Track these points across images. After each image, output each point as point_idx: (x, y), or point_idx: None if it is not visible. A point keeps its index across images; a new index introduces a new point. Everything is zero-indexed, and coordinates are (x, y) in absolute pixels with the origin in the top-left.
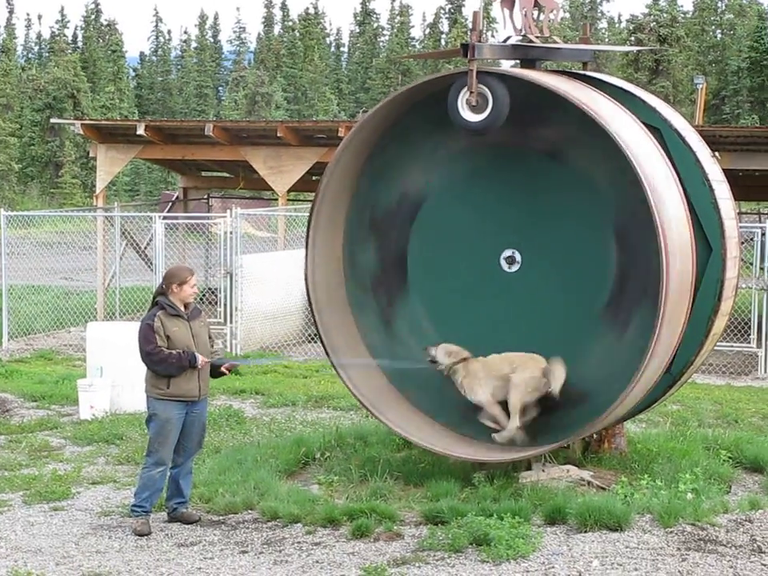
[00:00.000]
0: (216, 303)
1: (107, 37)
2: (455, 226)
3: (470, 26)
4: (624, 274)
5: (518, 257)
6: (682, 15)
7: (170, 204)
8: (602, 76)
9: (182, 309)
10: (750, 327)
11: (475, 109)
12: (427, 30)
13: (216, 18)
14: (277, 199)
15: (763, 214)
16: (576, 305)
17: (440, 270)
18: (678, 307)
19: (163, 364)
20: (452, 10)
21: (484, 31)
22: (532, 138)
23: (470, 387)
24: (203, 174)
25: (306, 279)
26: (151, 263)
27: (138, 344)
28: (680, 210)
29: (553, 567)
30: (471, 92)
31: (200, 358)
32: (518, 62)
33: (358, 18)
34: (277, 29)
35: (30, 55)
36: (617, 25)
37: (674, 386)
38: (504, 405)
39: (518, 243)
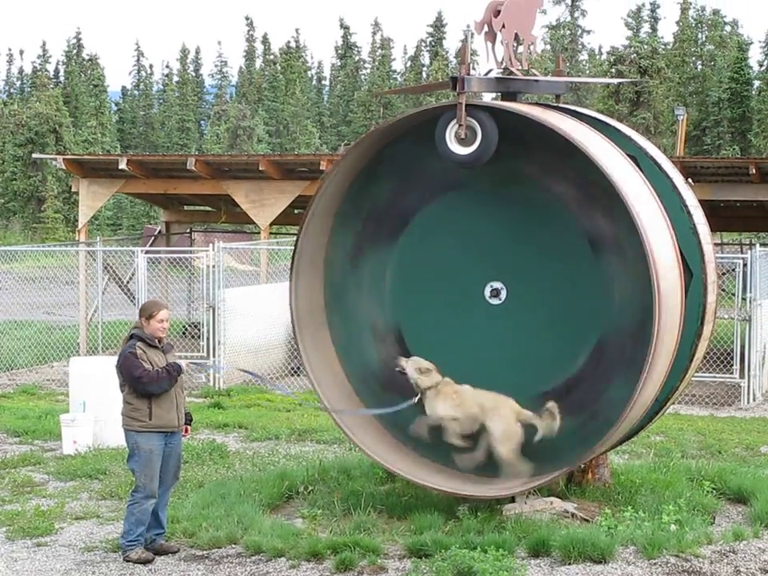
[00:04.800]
0: (199, 337)
1: (89, 71)
2: (439, 256)
3: (459, 58)
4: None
5: (502, 290)
6: (663, 47)
7: (153, 238)
8: (577, 108)
9: (157, 342)
10: (732, 358)
11: (463, 142)
12: (408, 63)
13: (198, 52)
14: (259, 233)
15: (745, 244)
16: (560, 342)
17: (423, 300)
18: (669, 335)
19: (156, 382)
20: (433, 43)
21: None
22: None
23: (438, 400)
24: (185, 208)
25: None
26: (134, 297)
27: (122, 375)
28: (666, 237)
29: None
30: (460, 125)
31: (183, 364)
32: (499, 94)
33: (340, 52)
34: (258, 62)
35: (11, 90)
36: (597, 57)
37: (660, 412)
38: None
39: (505, 276)
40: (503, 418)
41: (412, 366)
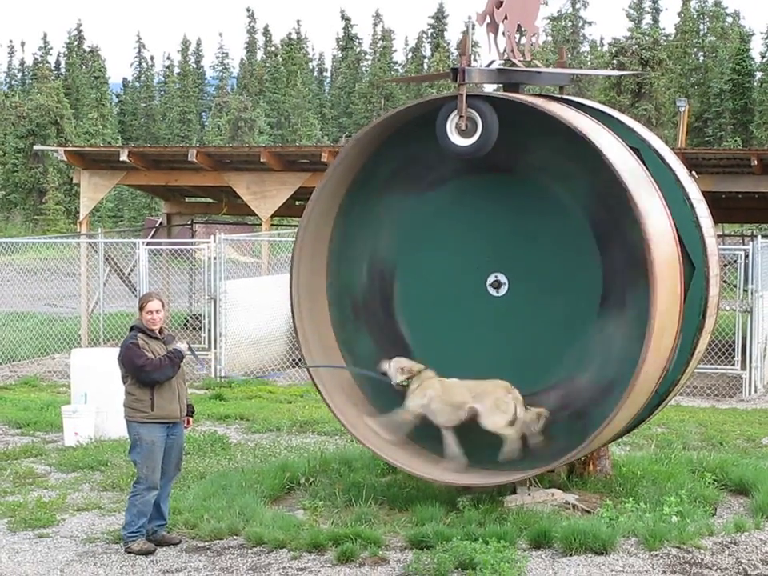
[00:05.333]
0: (200, 329)
1: (90, 63)
2: (439, 250)
3: (459, 49)
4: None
5: (503, 280)
6: (664, 38)
7: (154, 230)
8: (580, 99)
9: (157, 333)
10: (734, 349)
11: (464, 133)
12: (410, 55)
13: (199, 44)
14: (260, 224)
15: (746, 236)
16: (564, 324)
17: (426, 293)
18: (666, 326)
19: (159, 370)
20: (434, 35)
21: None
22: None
23: (414, 394)
24: (187, 199)
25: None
26: (135, 289)
27: (124, 366)
28: (667, 228)
29: None
30: (461, 116)
31: (183, 348)
32: (501, 85)
33: (341, 43)
34: (259, 54)
35: (13, 82)
36: (599, 48)
37: (661, 405)
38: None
39: (504, 267)
40: (491, 395)
41: (394, 366)
